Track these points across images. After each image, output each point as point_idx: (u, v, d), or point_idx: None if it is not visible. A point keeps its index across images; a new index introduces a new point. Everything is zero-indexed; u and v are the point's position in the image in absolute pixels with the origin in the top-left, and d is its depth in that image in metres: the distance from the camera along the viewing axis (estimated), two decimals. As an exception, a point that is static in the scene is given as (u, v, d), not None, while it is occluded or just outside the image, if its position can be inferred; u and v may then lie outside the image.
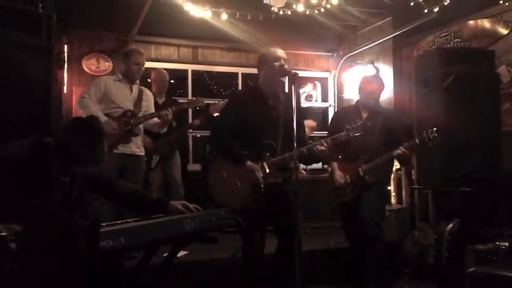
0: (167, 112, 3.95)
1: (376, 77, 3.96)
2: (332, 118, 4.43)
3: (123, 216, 2.86)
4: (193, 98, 4.46)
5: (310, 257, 3.90)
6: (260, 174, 2.81)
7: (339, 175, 3.55)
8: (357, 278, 3.56)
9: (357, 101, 3.78)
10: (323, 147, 2.89)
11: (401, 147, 3.34)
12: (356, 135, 2.94)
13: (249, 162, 2.83)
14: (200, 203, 2.45)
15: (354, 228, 3.51)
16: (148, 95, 4.12)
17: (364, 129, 2.95)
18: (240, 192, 2.81)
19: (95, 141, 2.23)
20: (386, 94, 5.67)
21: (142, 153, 4.02)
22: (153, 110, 4.09)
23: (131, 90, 3.99)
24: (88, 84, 4.14)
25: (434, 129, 3.31)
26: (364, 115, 3.58)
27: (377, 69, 5.85)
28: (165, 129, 4.19)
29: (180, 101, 4.96)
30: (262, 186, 2.79)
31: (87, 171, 2.39)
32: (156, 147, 4.61)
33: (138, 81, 4.08)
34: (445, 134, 3.71)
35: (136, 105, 3.95)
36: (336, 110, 6.63)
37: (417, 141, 3.35)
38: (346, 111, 3.93)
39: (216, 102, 4.76)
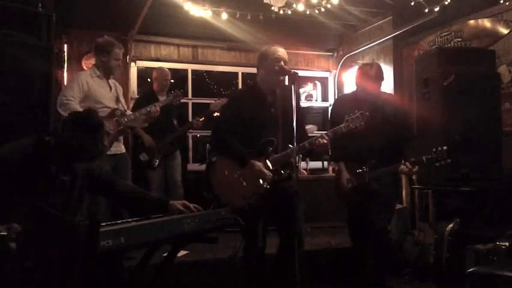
0: (156, 108, 3.84)
1: (372, 67, 3.53)
2: (332, 109, 4.25)
3: (121, 216, 2.86)
4: (173, 92, 4.34)
5: (310, 257, 3.90)
6: (266, 171, 2.81)
7: (346, 178, 3.43)
8: (357, 277, 3.56)
9: (356, 92, 3.61)
10: (324, 141, 2.89)
11: (407, 163, 3.21)
12: (356, 126, 2.92)
13: (253, 161, 2.83)
14: (200, 202, 2.45)
15: (359, 228, 3.50)
16: (119, 87, 3.93)
17: (363, 120, 2.93)
18: (245, 191, 2.81)
19: (94, 134, 2.22)
20: (387, 94, 5.68)
21: (124, 150, 3.89)
22: (124, 104, 3.96)
23: (109, 86, 3.78)
24: (69, 83, 3.79)
25: (445, 148, 3.16)
26: (363, 107, 3.45)
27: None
28: (146, 124, 4.06)
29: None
30: (267, 185, 2.79)
31: (88, 168, 2.38)
32: (157, 146, 4.62)
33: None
34: (445, 134, 3.73)
35: (117, 101, 3.78)
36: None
37: (424, 159, 3.21)
38: (344, 101, 3.75)
39: (216, 100, 4.77)
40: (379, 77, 3.48)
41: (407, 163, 3.23)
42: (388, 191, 3.46)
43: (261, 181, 2.80)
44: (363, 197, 3.37)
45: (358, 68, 3.67)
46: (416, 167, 3.26)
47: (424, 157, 3.21)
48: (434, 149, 3.20)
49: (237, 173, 2.86)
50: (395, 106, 3.57)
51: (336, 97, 6.58)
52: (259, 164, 2.83)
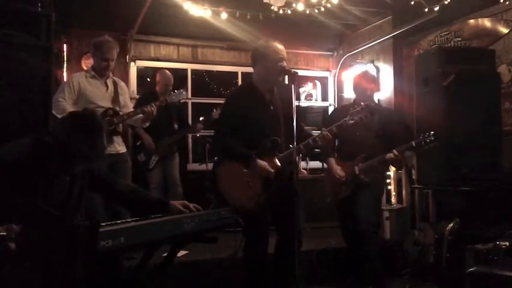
0: (152, 109, 3.76)
1: (367, 74, 3.93)
2: (330, 114, 4.48)
3: (121, 216, 2.86)
4: (176, 91, 4.31)
5: (310, 256, 3.90)
6: (271, 169, 2.81)
7: (338, 169, 3.54)
8: (355, 277, 3.57)
9: (354, 99, 3.80)
10: (329, 135, 2.90)
11: (394, 151, 3.28)
12: (362, 118, 2.93)
13: (258, 161, 2.81)
14: (200, 202, 2.45)
15: (349, 226, 3.54)
16: (123, 87, 3.90)
17: (369, 111, 2.93)
18: (252, 192, 2.80)
19: (94, 137, 2.18)
20: (386, 94, 5.68)
21: (125, 150, 3.87)
22: (129, 103, 3.94)
23: (106, 86, 3.74)
24: (60, 86, 3.78)
25: (432, 132, 3.23)
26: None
27: (377, 68, 5.84)
28: (147, 124, 4.01)
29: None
30: (273, 181, 2.80)
31: (88, 169, 2.37)
32: (156, 147, 4.62)
33: (111, 74, 3.83)
34: (445, 134, 3.73)
35: (114, 101, 3.73)
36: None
37: (413, 144, 3.27)
38: (344, 109, 3.90)
39: (217, 110, 4.76)
40: (373, 81, 3.76)
41: (394, 151, 3.28)
42: (377, 189, 3.55)
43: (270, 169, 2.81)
44: (353, 191, 3.45)
45: (355, 76, 3.90)
46: (406, 152, 3.33)
47: (413, 142, 3.27)
48: (422, 134, 3.27)
49: (243, 175, 2.85)
50: (392, 112, 3.68)
51: (336, 107, 6.64)
52: (263, 162, 2.82)
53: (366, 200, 3.42)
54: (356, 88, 3.74)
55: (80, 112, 2.52)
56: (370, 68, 5.86)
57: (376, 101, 3.85)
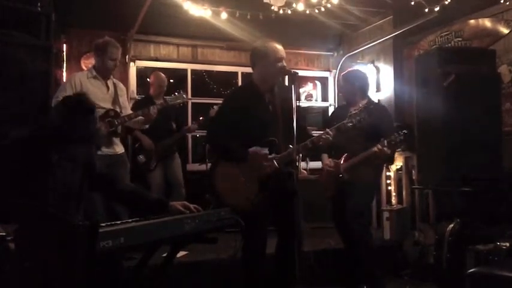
0: (154, 111, 3.81)
1: (351, 72, 3.94)
2: (330, 115, 4.55)
3: (119, 216, 2.86)
4: (176, 94, 4.35)
5: (310, 257, 3.89)
6: (266, 151, 2.80)
7: (327, 160, 3.66)
8: (352, 276, 3.58)
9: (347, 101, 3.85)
10: (328, 136, 2.91)
11: (378, 145, 3.33)
12: (360, 120, 2.94)
13: (251, 149, 2.80)
14: (200, 203, 2.44)
15: (340, 225, 3.61)
16: (122, 88, 3.91)
17: (368, 113, 2.94)
18: (248, 192, 2.80)
19: (85, 116, 2.25)
20: (387, 94, 5.68)
21: (123, 151, 3.87)
22: (127, 105, 3.96)
23: (107, 87, 3.75)
24: (61, 85, 3.79)
25: (404, 131, 3.26)
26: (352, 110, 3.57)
27: (377, 68, 5.84)
28: (147, 126, 4.05)
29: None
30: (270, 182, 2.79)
31: (87, 156, 2.38)
32: (155, 148, 4.62)
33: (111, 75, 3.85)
34: (445, 134, 3.73)
35: (115, 102, 3.74)
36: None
37: (385, 143, 3.32)
38: (338, 110, 4.02)
39: (215, 107, 4.76)
40: (354, 80, 3.73)
41: (378, 145, 3.33)
42: (361, 187, 3.54)
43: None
44: (339, 190, 3.52)
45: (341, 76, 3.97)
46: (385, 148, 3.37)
47: (385, 141, 3.33)
48: (394, 134, 3.33)
49: (238, 174, 2.85)
50: (380, 109, 3.70)
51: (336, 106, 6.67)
52: (257, 148, 2.80)
53: (350, 199, 3.45)
54: (341, 88, 3.81)
55: (72, 96, 2.55)
56: (370, 68, 5.85)
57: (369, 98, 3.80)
